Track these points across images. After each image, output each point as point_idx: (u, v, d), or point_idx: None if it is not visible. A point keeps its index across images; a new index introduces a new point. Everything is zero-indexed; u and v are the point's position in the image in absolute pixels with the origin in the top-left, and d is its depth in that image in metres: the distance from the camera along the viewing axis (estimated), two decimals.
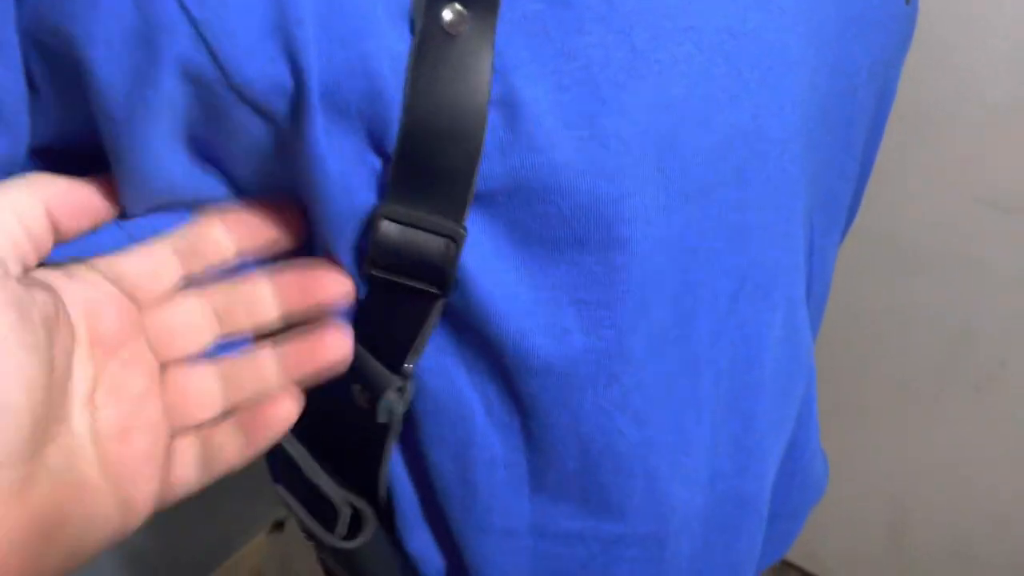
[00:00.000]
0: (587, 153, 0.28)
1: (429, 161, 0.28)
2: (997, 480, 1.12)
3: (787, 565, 1.40)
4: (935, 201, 1.01)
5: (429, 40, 0.27)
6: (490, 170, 0.28)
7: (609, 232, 0.30)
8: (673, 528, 0.39)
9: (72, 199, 0.28)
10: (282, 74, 0.26)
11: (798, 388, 0.43)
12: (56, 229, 0.27)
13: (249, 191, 0.31)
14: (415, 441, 0.36)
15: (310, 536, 0.40)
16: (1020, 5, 0.87)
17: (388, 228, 0.29)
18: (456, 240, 0.29)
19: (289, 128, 0.27)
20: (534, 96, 0.27)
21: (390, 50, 0.26)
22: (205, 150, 0.29)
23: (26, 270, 0.26)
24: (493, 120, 0.28)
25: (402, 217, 0.29)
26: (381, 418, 0.33)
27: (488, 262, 0.31)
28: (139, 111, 0.26)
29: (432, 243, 0.29)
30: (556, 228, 0.30)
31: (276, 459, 0.40)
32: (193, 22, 0.25)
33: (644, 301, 0.32)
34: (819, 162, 0.38)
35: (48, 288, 0.26)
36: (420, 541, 0.40)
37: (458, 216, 0.29)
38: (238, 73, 0.26)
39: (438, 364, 0.33)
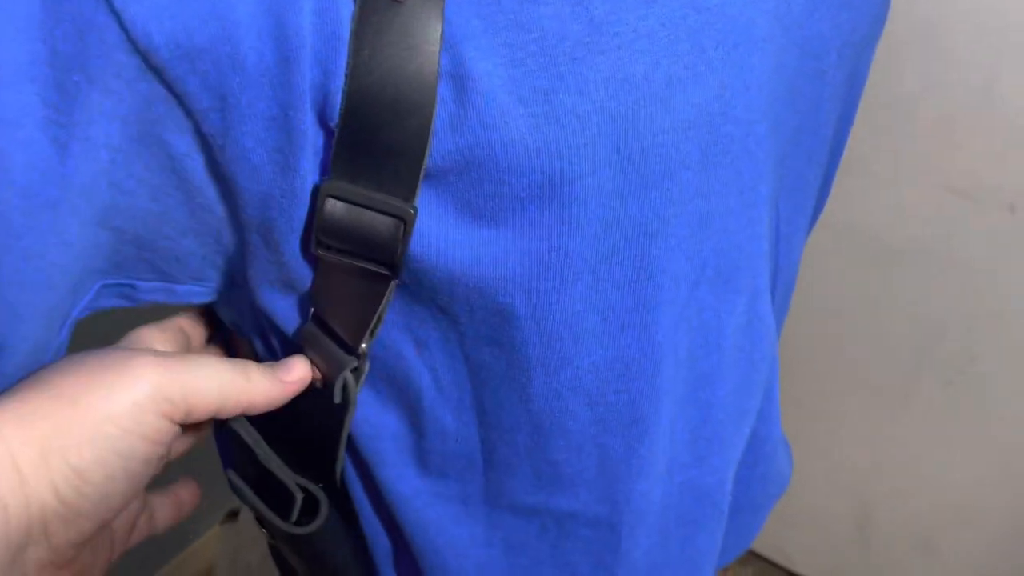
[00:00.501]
0: (542, 131, 0.27)
1: (375, 135, 0.26)
2: (962, 474, 1.13)
3: (753, 555, 1.41)
4: (906, 193, 1.01)
5: (373, 5, 0.25)
6: (440, 146, 0.27)
7: (562, 213, 0.29)
8: (627, 519, 0.38)
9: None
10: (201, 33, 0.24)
11: (759, 378, 0.42)
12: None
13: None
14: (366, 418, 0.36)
15: (262, 523, 0.39)
16: None
17: (334, 207, 0.28)
18: (406, 220, 0.28)
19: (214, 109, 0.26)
20: (486, 70, 0.26)
21: (331, 14, 0.25)
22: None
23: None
24: (443, 93, 0.26)
25: (348, 195, 0.27)
26: (337, 399, 0.33)
27: (438, 242, 0.29)
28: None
29: (380, 223, 0.28)
30: (508, 209, 0.28)
31: (228, 445, 0.39)
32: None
33: (596, 284, 0.31)
34: (786, 145, 0.37)
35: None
36: (373, 521, 0.39)
37: (408, 195, 0.27)
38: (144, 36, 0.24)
39: (388, 338, 0.33)
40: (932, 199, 0.99)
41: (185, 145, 0.26)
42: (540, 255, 0.30)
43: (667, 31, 0.28)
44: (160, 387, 0.29)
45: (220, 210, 0.29)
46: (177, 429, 0.30)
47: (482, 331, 0.32)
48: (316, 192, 0.28)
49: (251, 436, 0.37)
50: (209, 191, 0.28)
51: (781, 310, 0.47)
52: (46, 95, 0.24)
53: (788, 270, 0.44)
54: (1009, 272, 0.98)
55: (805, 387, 1.19)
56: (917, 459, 1.16)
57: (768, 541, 1.37)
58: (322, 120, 0.26)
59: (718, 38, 0.29)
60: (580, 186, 0.28)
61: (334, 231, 0.28)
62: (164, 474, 0.33)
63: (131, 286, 0.31)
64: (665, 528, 0.41)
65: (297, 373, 0.33)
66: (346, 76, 0.25)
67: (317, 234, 0.28)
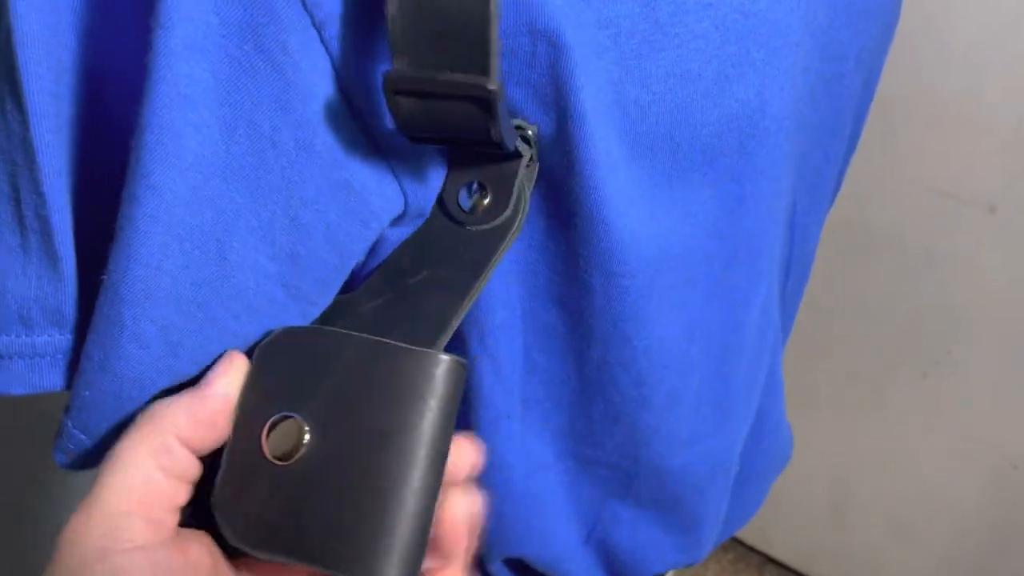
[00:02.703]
0: (608, 118, 0.30)
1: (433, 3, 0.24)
2: (936, 461, 1.16)
3: (733, 540, 1.45)
4: (887, 191, 1.04)
5: None
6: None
7: (621, 198, 0.31)
8: (644, 472, 0.41)
9: (197, 418, 0.27)
10: None
11: (765, 356, 0.45)
12: (193, 448, 0.27)
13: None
14: None
15: None
16: (972, 3, 0.90)
17: (404, 103, 0.25)
18: (489, 100, 0.25)
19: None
20: (582, 57, 0.28)
21: None
22: None
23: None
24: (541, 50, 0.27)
25: (415, 85, 0.25)
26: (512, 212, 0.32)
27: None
28: None
29: (459, 111, 0.26)
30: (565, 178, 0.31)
31: None
32: None
33: (659, 267, 0.34)
34: (806, 142, 0.40)
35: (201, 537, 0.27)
36: None
37: (483, 65, 0.24)
38: None
39: None
40: (915, 198, 1.02)
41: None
42: (621, 239, 0.32)
43: (719, 33, 0.30)
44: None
45: None
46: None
47: (554, 293, 0.34)
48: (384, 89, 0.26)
49: None
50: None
51: (796, 295, 0.51)
52: None
53: (803, 258, 0.47)
54: (986, 269, 1.01)
55: (786, 378, 1.22)
56: (892, 447, 1.19)
57: (747, 527, 1.40)
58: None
59: (761, 41, 0.32)
60: (637, 167, 0.31)
61: (418, 130, 0.26)
62: None
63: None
64: (680, 492, 0.44)
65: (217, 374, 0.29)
66: None
67: (403, 131, 0.27)
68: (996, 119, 0.93)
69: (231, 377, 0.28)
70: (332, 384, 0.28)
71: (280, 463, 0.27)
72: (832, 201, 0.51)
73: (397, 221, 0.31)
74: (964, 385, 1.09)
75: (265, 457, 0.27)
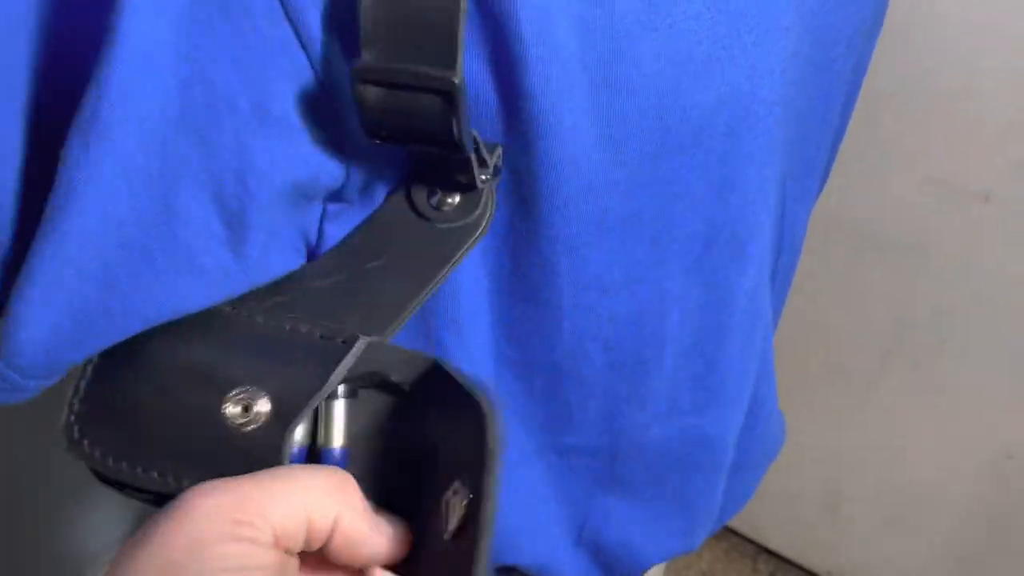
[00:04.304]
0: (598, 96, 0.30)
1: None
2: (929, 453, 1.17)
3: (728, 531, 1.45)
4: (880, 181, 1.04)
5: None
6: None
7: (608, 175, 0.31)
8: (624, 447, 0.42)
9: (352, 529, 0.28)
10: None
11: (757, 342, 0.45)
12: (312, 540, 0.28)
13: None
14: None
15: None
16: None
17: (369, 92, 0.26)
18: (452, 93, 0.26)
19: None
20: (565, 41, 0.28)
21: None
22: None
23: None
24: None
25: (382, 75, 0.26)
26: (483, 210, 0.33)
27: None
28: None
29: (424, 102, 0.26)
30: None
31: None
32: None
33: (624, 239, 0.34)
34: (796, 128, 0.40)
35: None
36: None
37: (449, 60, 0.25)
38: None
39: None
40: (909, 188, 1.02)
41: None
42: (586, 213, 0.32)
43: (711, 14, 0.30)
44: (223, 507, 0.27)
45: None
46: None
47: (519, 288, 0.35)
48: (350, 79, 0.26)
49: None
50: None
51: (785, 284, 0.51)
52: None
53: (792, 245, 0.48)
54: (981, 259, 1.02)
55: (777, 366, 1.22)
56: (886, 439, 1.20)
57: (741, 517, 1.41)
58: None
59: (752, 24, 0.32)
60: (625, 149, 0.31)
61: (379, 121, 0.27)
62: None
63: None
64: (663, 469, 0.45)
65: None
66: None
67: (364, 125, 0.27)
68: (990, 109, 0.93)
69: None
70: None
71: None
72: (821, 189, 0.51)
73: (337, 197, 0.31)
74: (958, 375, 1.10)
75: None
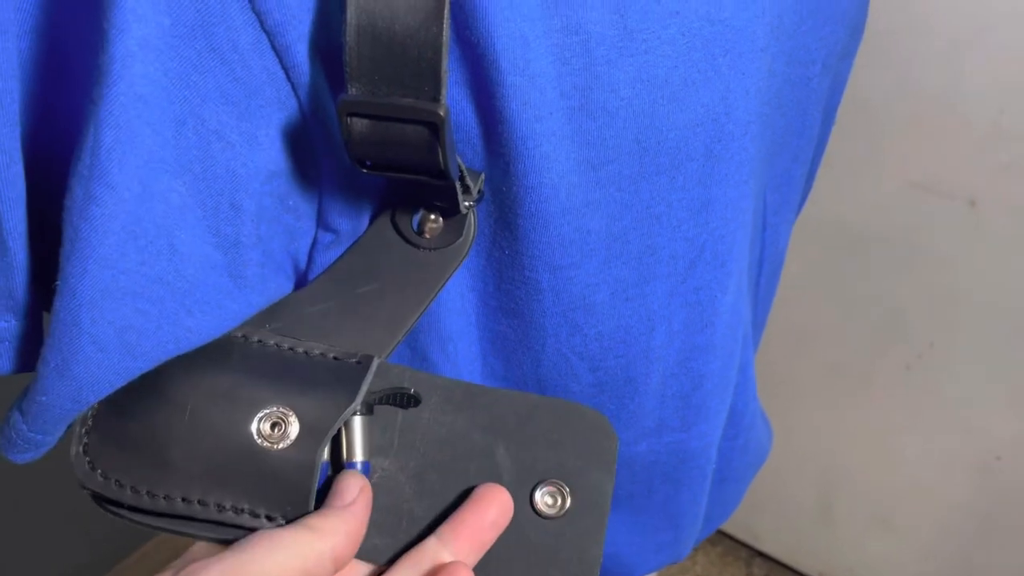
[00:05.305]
0: (575, 122, 0.30)
1: (386, 29, 0.26)
2: (920, 454, 1.18)
3: (721, 534, 1.46)
4: (872, 187, 1.05)
5: None
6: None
7: (587, 196, 0.32)
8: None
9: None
10: None
11: (737, 354, 0.46)
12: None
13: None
14: None
15: None
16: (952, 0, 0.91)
17: (356, 125, 0.27)
18: (436, 124, 0.26)
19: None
20: (542, 69, 0.29)
21: None
22: None
23: None
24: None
25: (368, 109, 0.26)
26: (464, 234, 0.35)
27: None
28: None
29: (410, 134, 0.27)
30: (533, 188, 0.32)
31: None
32: None
33: (609, 260, 0.35)
34: (773, 144, 0.41)
35: None
36: None
37: (434, 93, 0.26)
38: None
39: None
40: (897, 193, 1.03)
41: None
42: (565, 235, 0.33)
43: (686, 39, 0.31)
44: None
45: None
46: None
47: (504, 303, 0.35)
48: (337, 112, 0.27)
49: None
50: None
51: (769, 292, 0.51)
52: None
53: (775, 256, 0.48)
54: (968, 262, 1.02)
55: (769, 370, 1.23)
56: (877, 440, 1.21)
57: (735, 520, 1.42)
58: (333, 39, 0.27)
59: (726, 47, 0.33)
60: (604, 172, 0.32)
61: (368, 152, 0.28)
62: None
63: None
64: (650, 480, 0.45)
65: (352, 491, 0.31)
66: None
67: (352, 155, 0.28)
68: (976, 114, 0.94)
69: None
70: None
71: None
72: (803, 201, 0.51)
73: (325, 225, 0.32)
74: (947, 377, 1.10)
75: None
